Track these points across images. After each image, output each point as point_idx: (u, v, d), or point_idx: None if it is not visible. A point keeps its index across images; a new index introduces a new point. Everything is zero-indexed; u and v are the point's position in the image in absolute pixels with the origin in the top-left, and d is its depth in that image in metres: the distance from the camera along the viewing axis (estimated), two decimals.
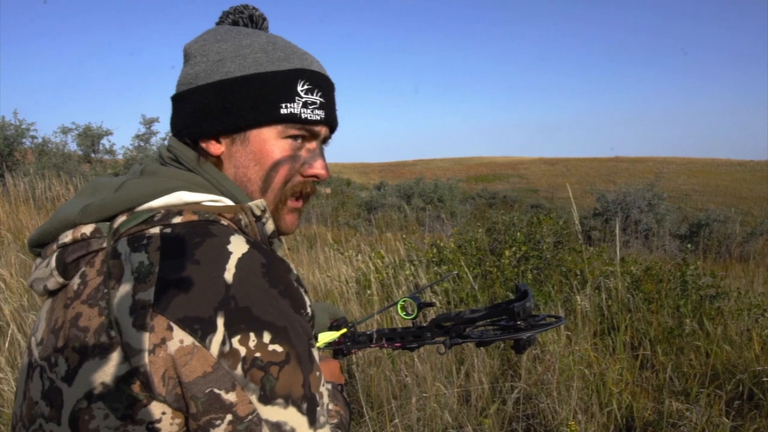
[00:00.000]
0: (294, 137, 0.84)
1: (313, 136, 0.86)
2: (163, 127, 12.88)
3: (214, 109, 0.81)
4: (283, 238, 0.92)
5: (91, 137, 12.41)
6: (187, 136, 0.84)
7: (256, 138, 0.82)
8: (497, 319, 1.03)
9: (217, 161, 0.84)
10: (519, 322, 1.00)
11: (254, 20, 0.90)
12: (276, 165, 0.83)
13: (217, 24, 0.91)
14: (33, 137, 11.45)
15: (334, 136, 0.92)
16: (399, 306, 1.13)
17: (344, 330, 1.17)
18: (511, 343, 1.01)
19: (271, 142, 0.83)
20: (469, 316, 1.04)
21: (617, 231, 3.92)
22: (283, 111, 0.81)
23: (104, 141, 12.72)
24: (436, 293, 3.71)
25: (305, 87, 0.83)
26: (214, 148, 0.83)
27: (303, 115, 0.83)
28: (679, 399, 2.97)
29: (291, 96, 0.82)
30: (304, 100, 0.83)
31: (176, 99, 0.86)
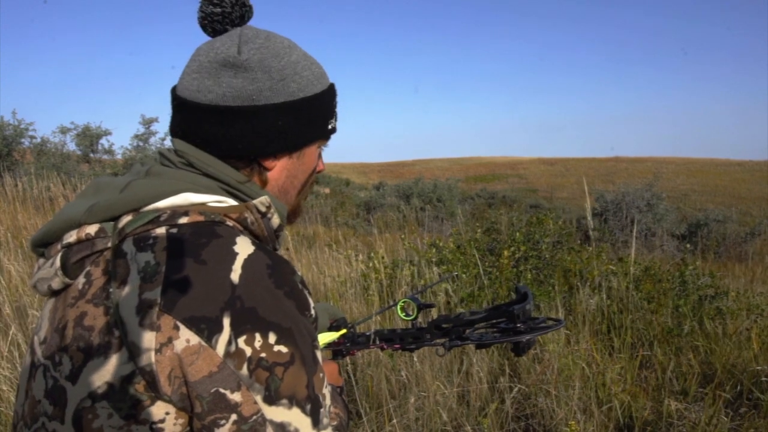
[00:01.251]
0: (322, 146, 0.93)
1: None
2: (163, 127, 12.85)
3: (287, 129, 0.84)
4: (285, 231, 0.95)
5: (89, 137, 12.40)
6: (252, 154, 0.83)
7: (308, 152, 0.90)
8: (497, 321, 1.04)
9: (266, 174, 0.87)
10: (518, 325, 1.00)
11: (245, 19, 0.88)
12: (313, 171, 0.93)
13: (227, 12, 0.84)
14: (32, 137, 11.45)
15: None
16: (399, 307, 1.14)
17: (344, 331, 1.17)
18: (511, 346, 1.01)
19: (314, 152, 0.92)
20: (468, 318, 1.04)
21: (634, 232, 3.92)
22: (329, 127, 0.91)
23: (103, 141, 12.72)
24: (435, 293, 3.71)
25: (335, 101, 0.92)
26: (272, 163, 0.86)
27: (336, 128, 0.93)
28: (678, 399, 2.97)
29: (333, 112, 0.91)
30: (336, 113, 0.92)
31: (225, 112, 0.80)
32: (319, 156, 0.94)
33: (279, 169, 0.87)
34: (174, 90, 0.86)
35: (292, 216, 0.96)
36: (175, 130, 0.85)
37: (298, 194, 0.93)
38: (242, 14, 0.84)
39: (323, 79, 0.89)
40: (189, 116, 0.83)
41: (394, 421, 2.61)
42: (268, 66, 0.81)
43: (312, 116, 0.86)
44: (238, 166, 0.84)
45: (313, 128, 0.88)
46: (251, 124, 0.81)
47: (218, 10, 0.83)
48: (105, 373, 0.67)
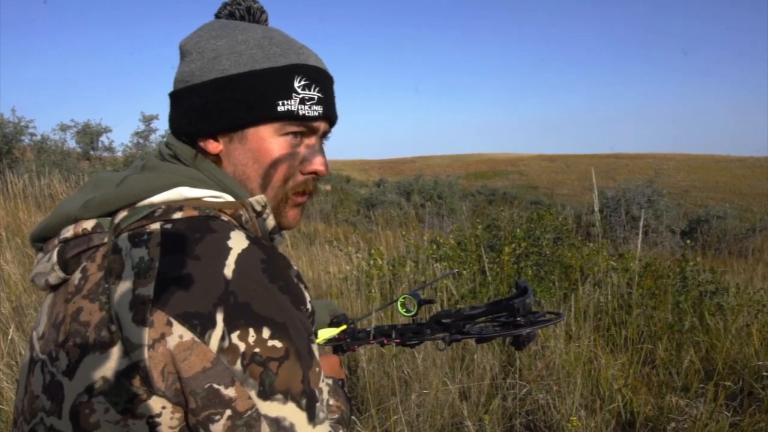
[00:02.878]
0: (292, 134, 0.83)
1: (312, 131, 0.85)
2: (163, 125, 12.88)
3: (211, 108, 0.80)
4: (285, 233, 0.92)
5: (90, 134, 12.41)
6: (185, 135, 0.83)
7: (253, 136, 0.81)
8: (497, 315, 1.03)
9: (216, 159, 0.83)
10: (519, 319, 1.00)
11: (252, 12, 0.87)
12: (275, 163, 0.82)
13: (216, 16, 0.89)
14: (32, 134, 11.45)
15: (334, 130, 0.91)
16: (399, 303, 1.13)
17: (344, 327, 1.17)
18: (511, 340, 1.01)
19: (269, 139, 0.81)
20: (468, 312, 1.04)
21: (640, 228, 3.91)
22: (280, 108, 0.80)
23: (103, 138, 12.73)
24: (436, 290, 3.71)
25: (302, 83, 0.82)
26: (213, 146, 0.82)
27: (300, 112, 0.81)
28: (680, 394, 2.97)
29: (288, 93, 0.81)
30: (301, 96, 0.81)
31: (173, 97, 0.85)
32: (315, 153, 0.86)
33: (225, 155, 0.83)
34: None
35: (276, 223, 0.86)
36: None
37: (262, 189, 0.83)
38: (232, 12, 0.87)
39: (278, 58, 0.81)
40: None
41: (398, 416, 2.61)
42: (203, 47, 0.82)
43: (247, 94, 0.79)
44: (187, 152, 0.84)
45: (249, 107, 0.80)
46: (182, 105, 0.83)
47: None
48: (101, 368, 0.67)
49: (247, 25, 0.84)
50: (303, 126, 0.83)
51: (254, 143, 0.81)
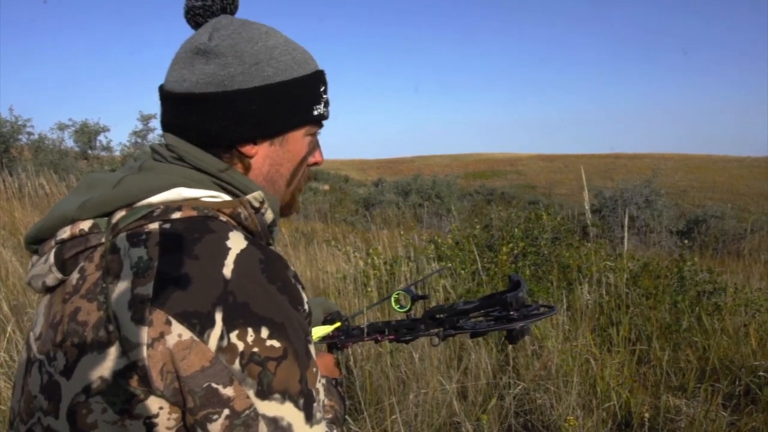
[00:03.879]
0: (313, 134, 0.91)
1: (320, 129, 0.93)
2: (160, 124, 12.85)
3: (261, 113, 0.82)
4: (280, 226, 0.93)
5: (88, 134, 12.39)
6: (228, 140, 0.82)
7: (293, 138, 0.87)
8: (490, 310, 1.04)
9: (249, 162, 0.85)
10: (512, 313, 1.00)
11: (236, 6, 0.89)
12: (303, 161, 0.90)
13: (207, 8, 0.85)
14: (29, 134, 11.43)
15: (332, 129, 0.97)
16: (393, 299, 1.13)
17: (338, 324, 1.17)
18: (505, 334, 1.01)
19: (301, 140, 0.88)
20: (462, 307, 1.04)
21: (625, 226, 3.92)
22: (315, 113, 0.87)
23: (101, 137, 12.70)
24: (434, 289, 3.72)
25: (323, 88, 0.89)
26: (251, 150, 0.84)
27: (326, 115, 0.90)
28: (677, 394, 2.98)
29: (318, 98, 0.88)
30: (324, 100, 0.89)
31: (200, 99, 0.80)
32: (315, 147, 0.92)
33: (261, 157, 0.86)
34: (161, 86, 0.86)
35: (286, 209, 0.94)
36: (163, 124, 0.86)
37: (287, 185, 0.91)
38: (223, 6, 0.85)
39: (306, 65, 0.86)
40: (170, 107, 0.83)
41: (394, 416, 2.61)
42: (240, 51, 0.81)
43: (292, 101, 0.84)
44: (220, 155, 0.83)
45: (294, 113, 0.85)
46: (224, 110, 0.80)
47: (199, 3, 0.84)
48: (99, 368, 0.67)
49: (265, 27, 0.85)
50: (320, 126, 0.92)
51: (292, 145, 0.88)
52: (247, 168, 0.85)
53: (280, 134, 0.86)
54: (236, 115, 0.81)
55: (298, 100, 0.85)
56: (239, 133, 0.82)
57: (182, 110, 0.82)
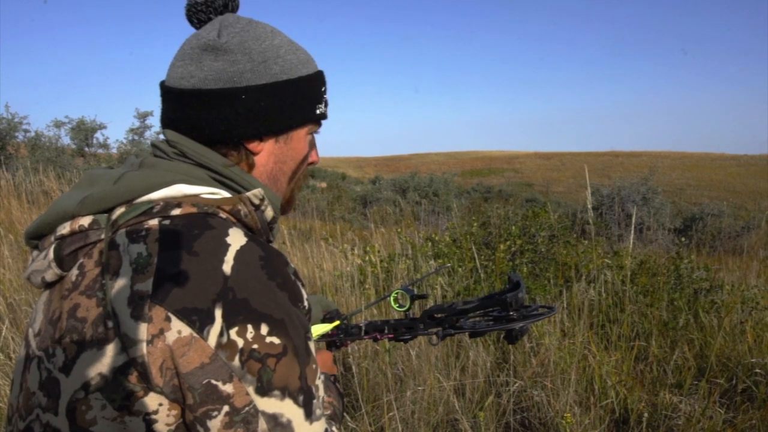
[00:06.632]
0: (313, 133, 0.93)
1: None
2: (158, 121, 12.82)
3: (270, 110, 0.83)
4: (279, 224, 0.93)
5: (84, 131, 12.34)
6: (235, 135, 0.82)
7: (297, 136, 0.89)
8: (490, 309, 1.04)
9: (254, 159, 0.87)
10: (511, 313, 1.00)
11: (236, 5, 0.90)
12: (304, 159, 0.92)
13: (210, 6, 0.86)
14: (26, 131, 11.38)
15: (330, 127, 0.97)
16: (392, 298, 1.13)
17: (337, 322, 1.17)
18: (504, 334, 1.01)
19: (303, 139, 0.91)
20: (461, 307, 1.04)
21: (633, 225, 3.93)
22: (318, 112, 0.90)
23: (98, 135, 12.66)
24: (432, 287, 3.72)
25: (323, 88, 0.92)
26: (257, 146, 0.85)
27: (326, 114, 0.92)
28: (674, 391, 2.99)
29: (320, 97, 0.90)
30: (325, 99, 0.92)
31: (207, 95, 0.80)
32: (313, 146, 0.94)
33: (266, 154, 0.87)
34: (162, 82, 0.86)
35: (285, 206, 0.95)
36: (164, 120, 0.86)
37: (289, 182, 0.92)
38: (225, 3, 0.86)
39: (309, 64, 0.89)
40: (175, 104, 0.83)
41: (391, 414, 2.62)
42: (249, 48, 0.82)
43: (297, 99, 0.86)
44: (225, 151, 0.83)
45: (299, 111, 0.87)
46: (233, 106, 0.81)
47: None
48: (98, 364, 0.67)
49: (269, 27, 0.87)
50: (320, 126, 0.94)
51: (296, 143, 0.90)
52: (251, 165, 0.86)
53: (286, 131, 0.87)
54: (245, 111, 0.81)
55: (303, 99, 0.87)
56: (247, 129, 0.83)
57: (189, 106, 0.82)
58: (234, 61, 0.81)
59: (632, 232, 3.92)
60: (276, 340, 0.68)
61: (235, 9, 0.87)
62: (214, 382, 0.65)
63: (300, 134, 0.90)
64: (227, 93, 0.80)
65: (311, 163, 0.95)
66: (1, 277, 3.61)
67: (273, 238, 0.88)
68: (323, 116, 0.92)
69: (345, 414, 2.65)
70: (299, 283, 0.75)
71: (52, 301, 0.76)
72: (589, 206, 3.72)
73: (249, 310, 0.67)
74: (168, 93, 0.84)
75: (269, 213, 0.83)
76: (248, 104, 0.81)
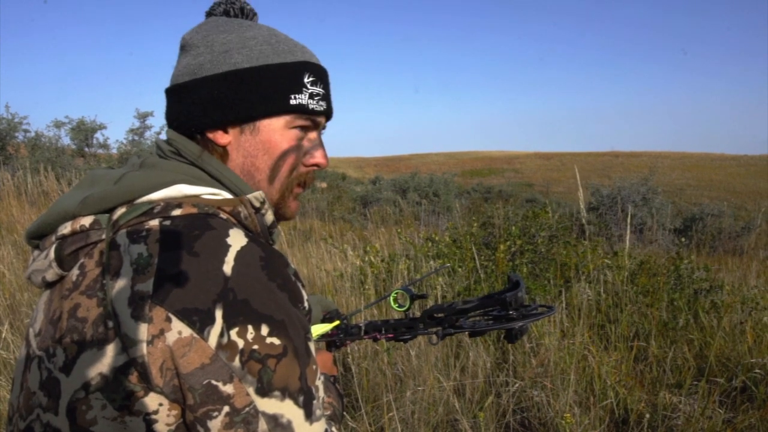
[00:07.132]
0: (299, 128, 0.86)
1: (315, 126, 0.89)
2: (158, 121, 12.81)
3: (225, 99, 0.82)
4: (279, 228, 0.92)
5: (84, 131, 12.35)
6: (194, 127, 0.83)
7: (266, 128, 0.84)
8: (489, 309, 1.04)
9: (223, 152, 0.85)
10: (511, 312, 1.00)
11: (245, 13, 0.90)
12: (284, 155, 0.85)
13: (208, 14, 0.90)
14: (26, 131, 11.38)
15: (329, 126, 0.95)
16: (391, 298, 1.13)
17: (337, 322, 1.17)
18: (504, 333, 1.01)
19: (279, 132, 0.85)
20: (461, 306, 1.04)
21: (628, 224, 3.93)
22: (293, 102, 0.84)
23: (98, 135, 12.66)
24: (432, 287, 3.72)
25: (310, 79, 0.86)
26: (222, 138, 0.84)
27: (310, 106, 0.86)
28: (673, 391, 2.99)
29: (299, 87, 0.84)
30: (310, 91, 0.86)
31: (176, 90, 0.85)
32: (315, 146, 0.89)
33: (234, 147, 0.85)
34: None
35: (278, 211, 0.90)
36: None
37: (269, 181, 0.86)
38: (225, 10, 0.89)
39: (290, 54, 0.85)
40: (166, 103, 0.87)
41: (391, 414, 2.62)
42: (212, 41, 0.84)
43: (261, 87, 0.82)
44: (200, 144, 0.85)
45: (263, 100, 0.82)
46: (191, 97, 0.83)
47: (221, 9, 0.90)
48: (98, 364, 0.67)
49: (252, 23, 0.87)
50: (309, 120, 0.87)
51: (266, 135, 0.84)
52: (222, 157, 0.85)
53: (247, 121, 0.84)
54: (201, 101, 0.83)
55: (270, 88, 0.83)
56: (204, 118, 0.83)
57: (169, 102, 0.87)
58: (196, 54, 0.84)
59: (628, 231, 3.91)
60: (276, 341, 0.68)
61: (233, 15, 0.89)
62: (214, 382, 0.65)
63: (272, 126, 0.84)
64: (190, 85, 0.83)
65: (315, 166, 0.89)
66: (0, 277, 3.61)
67: (273, 242, 0.87)
68: (302, 108, 0.85)
69: (345, 414, 2.65)
70: (299, 284, 0.75)
71: (52, 301, 0.76)
72: (582, 207, 3.72)
73: (249, 310, 0.67)
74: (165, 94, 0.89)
75: (269, 217, 0.83)
76: (204, 94, 0.82)
